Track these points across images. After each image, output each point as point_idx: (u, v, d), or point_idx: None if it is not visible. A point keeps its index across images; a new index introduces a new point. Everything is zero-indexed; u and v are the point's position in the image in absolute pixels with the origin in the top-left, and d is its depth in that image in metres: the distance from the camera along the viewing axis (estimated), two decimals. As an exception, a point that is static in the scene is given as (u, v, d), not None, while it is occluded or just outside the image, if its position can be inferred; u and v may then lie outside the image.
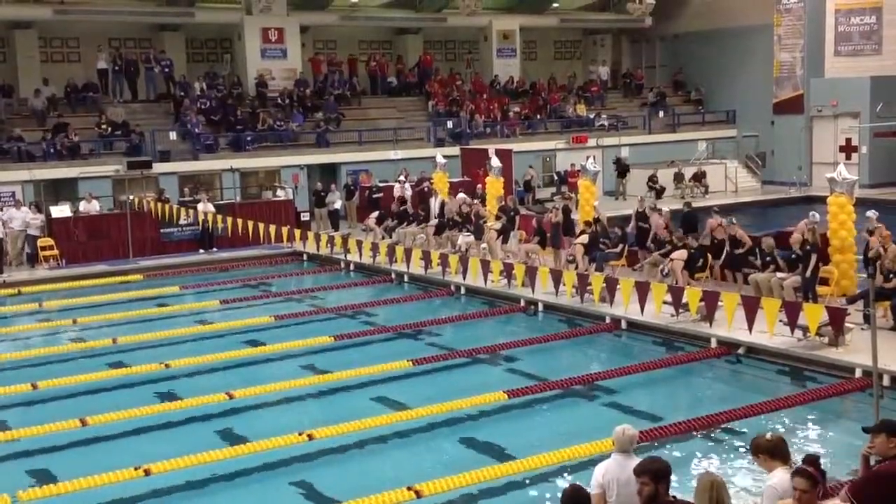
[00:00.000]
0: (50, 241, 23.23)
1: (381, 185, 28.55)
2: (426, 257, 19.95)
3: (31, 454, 10.93)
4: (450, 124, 33.69)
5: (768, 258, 16.12)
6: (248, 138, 30.16)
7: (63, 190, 26.54)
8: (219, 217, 23.29)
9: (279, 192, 27.92)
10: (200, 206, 24.13)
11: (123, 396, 12.90)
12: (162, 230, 24.49)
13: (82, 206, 24.61)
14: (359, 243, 21.47)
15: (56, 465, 10.53)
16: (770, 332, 13.58)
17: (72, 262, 23.07)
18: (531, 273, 17.66)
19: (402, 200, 25.48)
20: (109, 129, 28.51)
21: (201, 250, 24.53)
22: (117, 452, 10.88)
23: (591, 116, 36.53)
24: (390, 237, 24.13)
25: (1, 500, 9.12)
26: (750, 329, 13.74)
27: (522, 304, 17.88)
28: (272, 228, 22.25)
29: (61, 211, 24.17)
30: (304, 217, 27.31)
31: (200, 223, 24.07)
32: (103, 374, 14.12)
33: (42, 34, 30.98)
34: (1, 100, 28.98)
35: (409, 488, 9.11)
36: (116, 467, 9.82)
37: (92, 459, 10.57)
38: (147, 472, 9.72)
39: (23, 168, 26.23)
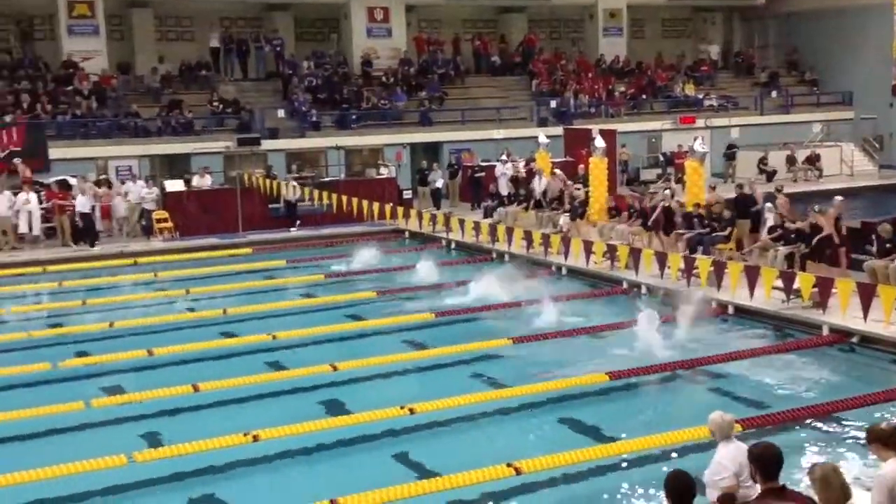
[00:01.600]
0: (164, 214, 24.07)
1: (483, 164, 28.58)
2: (528, 237, 19.89)
3: (147, 417, 11.38)
4: (553, 104, 33.42)
5: (887, 244, 15.49)
6: (353, 116, 30.57)
7: (177, 165, 27.44)
8: (324, 194, 23.70)
9: (382, 170, 28.23)
10: (283, 184, 24.60)
11: (233, 365, 13.31)
12: (270, 205, 25.08)
13: (195, 180, 25.41)
14: (461, 222, 21.57)
15: (169, 428, 10.95)
16: (886, 320, 13.08)
17: (185, 234, 23.87)
18: (635, 255, 17.43)
19: (516, 181, 25.43)
20: (221, 106, 29.34)
21: (291, 229, 24.87)
22: (227, 418, 11.24)
23: (700, 97, 35.69)
24: (491, 217, 24.15)
25: (118, 459, 9.54)
26: (865, 317, 13.26)
27: (625, 286, 17.67)
28: (375, 206, 22.55)
29: (175, 185, 25.00)
30: (407, 195, 27.55)
31: (284, 201, 24.50)
32: (214, 343, 14.62)
33: (158, 13, 32.04)
34: (119, 77, 30.11)
35: (508, 465, 9.15)
36: (227, 432, 10.16)
37: (203, 424, 10.97)
38: (255, 438, 10.03)
39: (139, 143, 27.25)
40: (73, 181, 24.25)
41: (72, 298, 18.14)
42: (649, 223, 19.87)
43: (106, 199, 24.24)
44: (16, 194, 22.74)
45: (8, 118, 26.12)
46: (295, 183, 24.82)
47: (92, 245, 22.56)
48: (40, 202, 23.23)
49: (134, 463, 9.56)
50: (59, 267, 20.82)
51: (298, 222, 24.90)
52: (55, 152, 25.72)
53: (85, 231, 22.70)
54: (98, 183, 24.50)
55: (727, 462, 6.45)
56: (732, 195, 20.37)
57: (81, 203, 22.52)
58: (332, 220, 24.72)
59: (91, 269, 20.89)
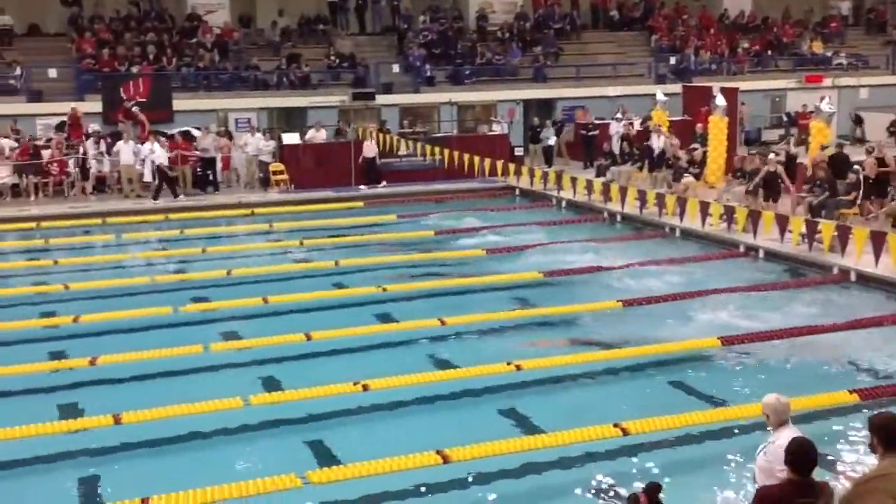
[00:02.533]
0: (281, 167, 24.60)
1: (597, 122, 28.12)
2: (641, 197, 19.52)
3: (262, 363, 11.73)
4: (672, 60, 32.50)
5: None
6: (467, 72, 30.44)
7: (293, 118, 27.93)
8: (436, 149, 23.77)
9: (495, 127, 28.10)
10: (367, 144, 24.68)
11: (344, 315, 13.54)
12: (382, 160, 25.30)
13: (310, 134, 25.84)
14: (573, 180, 21.33)
15: (283, 374, 11.27)
16: None
17: (299, 187, 24.35)
18: (754, 217, 16.90)
19: (629, 139, 24.88)
20: (337, 60, 29.65)
21: (362, 186, 24.69)
22: (338, 367, 11.50)
23: (829, 55, 34.11)
24: (603, 175, 23.79)
25: (235, 402, 9.88)
26: None
27: (742, 249, 17.18)
28: (487, 162, 22.49)
29: (291, 138, 25.47)
30: (518, 152, 27.37)
31: (363, 158, 24.56)
32: (326, 293, 14.92)
33: (279, -33, 32.45)
34: (240, 30, 30.74)
35: (615, 425, 9.08)
36: (337, 381, 10.40)
37: (315, 371, 11.23)
38: (365, 388, 10.23)
39: (258, 96, 27.83)
40: (195, 132, 25.00)
41: (192, 246, 18.78)
42: (750, 187, 19.18)
43: (226, 150, 24.93)
44: (141, 143, 23.57)
45: (135, 69, 27.05)
46: (375, 148, 24.78)
47: (175, 196, 23.00)
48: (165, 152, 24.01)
49: (249, 406, 9.89)
50: (181, 215, 21.58)
51: (384, 183, 24.80)
52: (179, 104, 26.51)
53: (167, 183, 23.05)
54: (219, 134, 25.19)
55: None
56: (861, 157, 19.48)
57: (160, 155, 23.06)
58: (442, 176, 24.78)
59: (211, 219, 21.59)
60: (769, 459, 6.14)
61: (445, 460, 8.40)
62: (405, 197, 23.88)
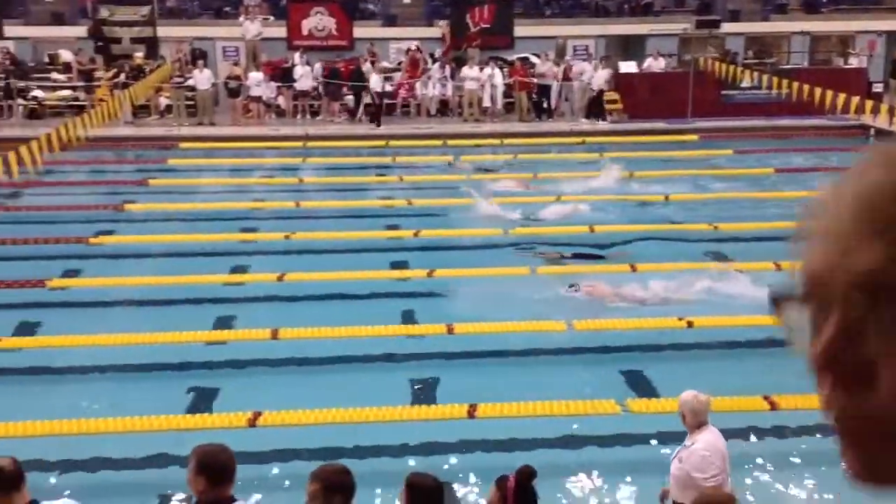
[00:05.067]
0: (615, 96, 24.35)
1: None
2: None
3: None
4: None
5: None
6: (825, -1, 28.09)
7: (631, 46, 27.41)
8: (783, 82, 22.27)
9: (851, 60, 25.77)
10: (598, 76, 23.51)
11: (671, 249, 13.21)
12: (723, 92, 24.20)
13: (647, 62, 25.25)
14: (942, 121, 19.06)
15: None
16: None
17: (633, 117, 23.98)
18: None
19: None
20: (682, -14, 28.58)
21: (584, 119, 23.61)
22: (665, 302, 11.27)
23: None
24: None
25: (557, 325, 10.13)
26: None
27: None
28: (840, 98, 20.70)
29: (628, 67, 25.08)
30: (877, 88, 24.94)
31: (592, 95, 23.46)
32: (653, 226, 14.69)
33: None
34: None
35: None
36: (660, 315, 10.34)
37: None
38: (690, 325, 10.08)
39: (598, 23, 27.59)
40: (534, 59, 25.36)
41: (524, 171, 19.21)
42: None
43: (561, 77, 25.02)
44: (482, 69, 24.33)
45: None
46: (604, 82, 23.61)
47: (378, 125, 22.98)
48: (504, 78, 24.66)
49: (573, 330, 10.08)
50: (515, 141, 22.12)
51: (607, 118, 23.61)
52: (520, 30, 26.99)
53: (377, 110, 23.18)
54: (556, 63, 25.35)
55: (712, 454, 5.26)
56: None
57: (375, 82, 23.23)
58: (787, 112, 23.23)
59: (543, 146, 21.92)
60: (685, 467, 5.30)
61: (773, 407, 8.04)
62: (745, 132, 22.72)
